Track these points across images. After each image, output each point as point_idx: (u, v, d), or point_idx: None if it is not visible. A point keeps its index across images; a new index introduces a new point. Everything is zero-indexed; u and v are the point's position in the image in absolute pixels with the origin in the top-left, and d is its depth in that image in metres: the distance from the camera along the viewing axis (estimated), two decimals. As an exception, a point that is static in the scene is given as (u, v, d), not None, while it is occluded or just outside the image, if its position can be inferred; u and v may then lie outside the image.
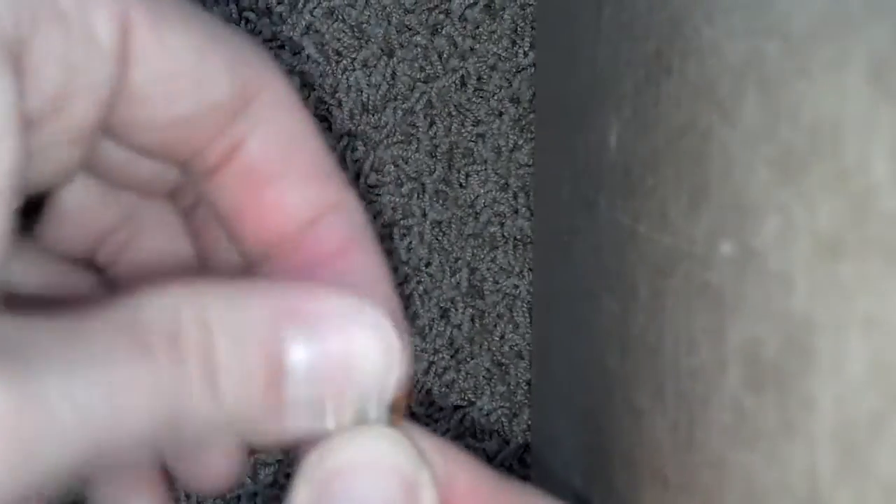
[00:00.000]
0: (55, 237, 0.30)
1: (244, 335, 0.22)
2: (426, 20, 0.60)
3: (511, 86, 0.61)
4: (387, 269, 0.28)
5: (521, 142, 0.60)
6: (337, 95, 0.59)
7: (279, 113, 0.27)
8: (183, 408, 0.22)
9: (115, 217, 0.30)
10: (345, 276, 0.27)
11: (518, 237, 0.60)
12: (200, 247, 0.31)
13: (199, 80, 0.25)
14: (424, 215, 0.60)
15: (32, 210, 0.29)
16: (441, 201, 0.60)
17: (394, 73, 0.60)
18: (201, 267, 0.31)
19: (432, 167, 0.60)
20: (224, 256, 0.30)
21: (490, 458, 0.60)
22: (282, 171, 0.27)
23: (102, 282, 0.31)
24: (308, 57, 0.59)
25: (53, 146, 0.24)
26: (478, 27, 0.60)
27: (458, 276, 0.60)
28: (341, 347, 0.23)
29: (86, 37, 0.22)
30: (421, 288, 0.60)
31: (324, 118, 0.59)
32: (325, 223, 0.27)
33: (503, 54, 0.61)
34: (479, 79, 0.60)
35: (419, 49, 0.60)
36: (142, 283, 0.22)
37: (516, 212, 0.60)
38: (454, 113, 0.60)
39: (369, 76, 0.60)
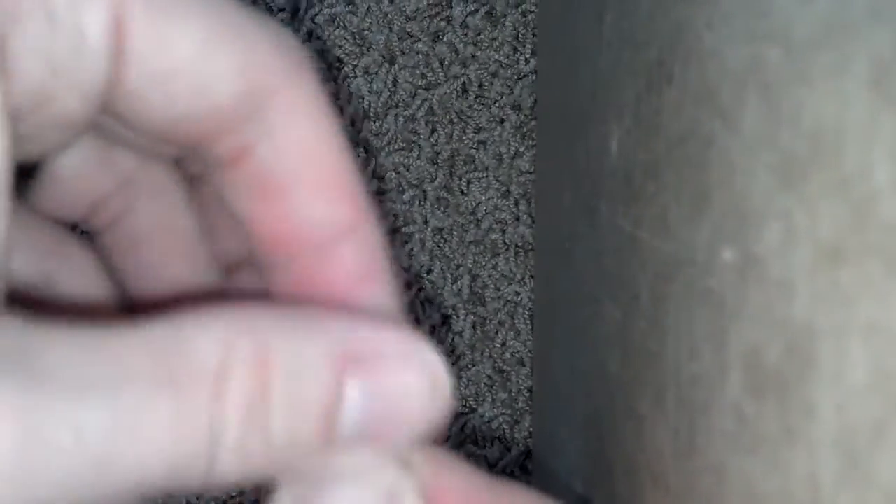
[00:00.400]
0: (48, 200, 0.28)
1: (303, 374, 0.22)
2: (427, 27, 0.60)
3: (512, 93, 0.61)
4: (400, 300, 0.27)
5: (522, 149, 0.60)
6: (338, 102, 0.59)
7: (297, 121, 0.25)
8: (216, 452, 0.21)
9: (112, 181, 0.29)
10: (355, 305, 0.26)
11: (519, 244, 0.60)
12: (205, 218, 0.29)
13: (198, 81, 0.23)
14: (426, 222, 0.60)
15: (24, 173, 0.27)
16: (442, 208, 0.60)
17: (395, 80, 0.60)
18: (202, 239, 0.29)
19: (434, 174, 0.60)
20: (228, 235, 0.29)
21: (492, 466, 0.60)
22: (294, 185, 0.25)
23: (97, 248, 0.29)
24: (310, 64, 0.59)
25: (39, 133, 0.23)
26: (479, 34, 0.60)
27: (459, 282, 0.60)
28: (396, 390, 0.23)
29: (74, 33, 0.21)
30: (422, 295, 0.60)
31: (325, 125, 0.59)
32: (340, 246, 0.26)
33: (504, 61, 0.61)
34: (480, 86, 0.60)
35: (421, 56, 0.60)
36: (178, 302, 0.22)
37: (518, 219, 0.60)
38: (455, 120, 0.60)
39: (371, 83, 0.60)
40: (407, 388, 0.23)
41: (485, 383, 0.61)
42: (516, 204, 0.60)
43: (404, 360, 0.23)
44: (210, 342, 0.21)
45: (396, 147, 0.60)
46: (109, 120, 0.25)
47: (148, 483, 0.20)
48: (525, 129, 0.60)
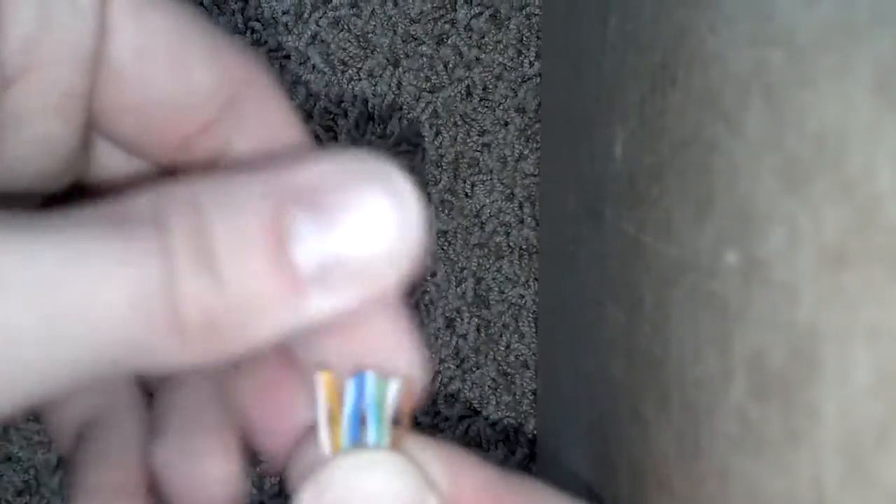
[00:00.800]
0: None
1: (243, 217, 0.20)
2: (432, 30, 0.60)
3: (516, 96, 0.61)
4: (410, 325, 0.25)
5: (526, 151, 0.60)
6: (342, 105, 0.59)
7: (265, 113, 0.25)
8: (173, 297, 0.20)
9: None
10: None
11: (523, 247, 0.60)
12: None
13: (176, 63, 0.23)
14: (430, 225, 0.60)
15: None
16: (447, 211, 0.60)
17: (399, 83, 0.60)
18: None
19: (438, 177, 0.60)
20: None
21: (496, 468, 0.60)
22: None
23: None
24: (313, 67, 0.59)
25: (34, 115, 0.23)
26: (483, 37, 0.60)
27: (463, 285, 0.60)
28: (349, 212, 0.21)
29: None
30: (426, 298, 0.60)
31: (329, 128, 0.59)
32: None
33: (509, 64, 0.61)
34: (484, 89, 0.60)
35: (425, 59, 0.60)
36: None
37: (522, 221, 0.60)
38: (460, 123, 0.60)
39: (375, 86, 0.60)
40: (369, 215, 0.21)
41: (489, 386, 0.61)
42: (520, 207, 0.60)
43: (362, 184, 0.21)
44: (145, 198, 0.20)
45: (401, 150, 0.60)
46: (99, 150, 0.25)
47: (108, 338, 0.19)
48: (529, 132, 0.60)
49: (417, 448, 0.25)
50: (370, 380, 0.24)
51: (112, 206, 0.20)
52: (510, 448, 0.60)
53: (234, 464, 0.28)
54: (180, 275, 0.20)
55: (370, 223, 0.21)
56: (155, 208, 0.20)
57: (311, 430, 0.25)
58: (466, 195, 0.60)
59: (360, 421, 0.24)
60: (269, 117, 0.25)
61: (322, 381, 0.24)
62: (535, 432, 0.60)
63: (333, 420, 0.24)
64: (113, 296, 0.19)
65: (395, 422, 0.25)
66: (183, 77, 0.24)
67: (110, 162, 0.26)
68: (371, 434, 0.24)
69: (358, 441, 0.24)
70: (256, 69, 0.25)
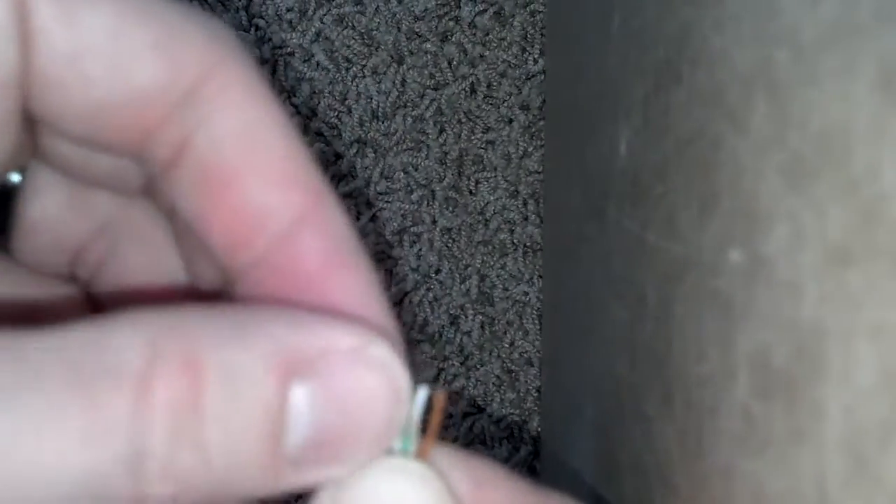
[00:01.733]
0: (30, 253, 0.27)
1: (240, 379, 0.20)
2: (436, 27, 0.60)
3: (521, 93, 0.61)
4: (376, 284, 0.24)
5: (530, 149, 0.60)
6: (347, 102, 0.59)
7: (233, 102, 0.23)
8: (139, 477, 0.19)
9: (90, 224, 0.27)
10: (329, 297, 0.23)
11: (528, 244, 0.60)
12: (185, 256, 0.27)
13: (114, 61, 0.22)
14: (434, 222, 0.60)
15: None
16: (451, 208, 0.60)
17: (403, 80, 0.60)
18: (190, 281, 0.27)
19: (442, 174, 0.60)
20: (205, 267, 0.27)
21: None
22: (239, 172, 0.23)
23: (86, 300, 0.28)
24: (318, 64, 0.59)
25: None
26: (487, 34, 0.60)
27: (467, 283, 0.60)
28: (347, 393, 0.21)
29: None
30: (431, 295, 0.60)
31: (333, 125, 0.59)
32: (301, 235, 0.24)
33: (513, 61, 0.61)
34: (488, 86, 0.60)
35: (429, 56, 0.60)
36: (123, 303, 0.20)
37: (526, 219, 0.60)
38: (464, 120, 0.60)
39: (379, 83, 0.60)
40: (360, 390, 0.21)
41: (493, 383, 0.61)
42: (524, 204, 0.60)
43: (355, 359, 0.21)
44: (134, 342, 0.19)
45: (405, 147, 0.60)
46: (56, 139, 0.24)
47: (60, 498, 0.18)
48: (533, 129, 0.60)
49: (442, 458, 0.24)
50: None
51: (91, 342, 0.19)
52: (514, 445, 0.60)
53: None
54: (156, 450, 0.19)
55: (365, 410, 0.21)
56: (145, 361, 0.19)
57: None
58: (470, 192, 0.60)
59: None
60: (240, 101, 0.23)
61: None
62: (539, 429, 0.60)
63: None
64: (63, 468, 0.18)
65: (423, 431, 0.24)
66: (124, 75, 0.22)
67: (69, 148, 0.25)
68: (397, 441, 0.24)
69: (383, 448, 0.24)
70: (225, 54, 0.23)
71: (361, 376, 0.21)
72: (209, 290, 0.27)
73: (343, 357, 0.21)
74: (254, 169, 0.23)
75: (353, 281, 0.24)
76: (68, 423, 0.18)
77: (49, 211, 0.27)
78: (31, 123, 0.23)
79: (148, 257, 0.28)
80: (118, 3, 0.22)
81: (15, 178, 0.26)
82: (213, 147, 0.23)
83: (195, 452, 0.19)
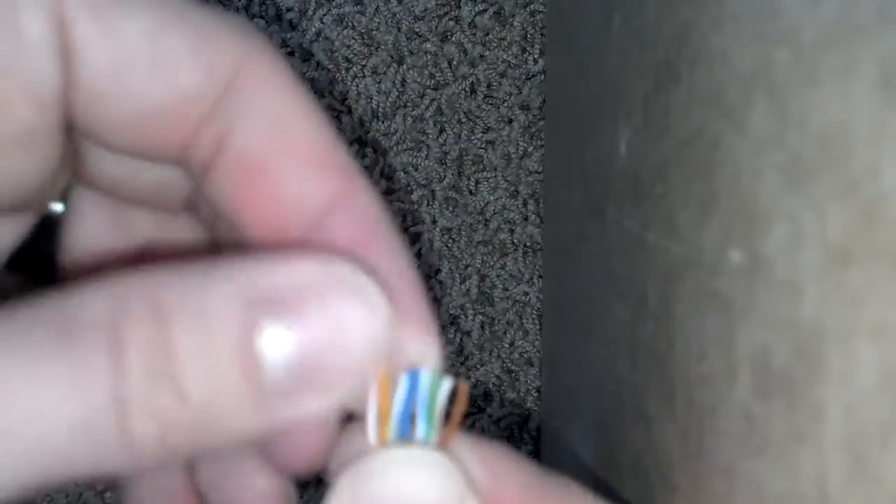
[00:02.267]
0: (73, 277, 0.27)
1: (208, 322, 0.20)
2: (436, 27, 0.60)
3: (521, 93, 0.61)
4: (409, 261, 0.25)
5: (530, 149, 0.60)
6: (346, 102, 0.59)
7: (266, 96, 0.24)
8: (123, 416, 0.19)
9: (130, 243, 0.28)
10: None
11: (528, 244, 0.60)
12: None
13: (155, 67, 0.23)
14: (434, 222, 0.60)
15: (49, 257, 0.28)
16: (451, 208, 0.60)
17: (403, 80, 0.60)
18: None
19: (442, 174, 0.60)
20: None
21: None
22: (275, 162, 0.24)
23: None
24: (318, 64, 0.59)
25: (2, 156, 0.22)
26: (487, 34, 0.60)
27: (467, 283, 0.60)
28: (322, 324, 0.21)
29: (12, 34, 0.21)
30: (430, 295, 0.60)
31: (333, 125, 0.59)
32: (335, 217, 0.24)
33: (513, 61, 0.61)
34: (488, 86, 0.60)
35: (429, 56, 0.60)
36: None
37: (526, 219, 0.60)
38: (464, 120, 0.60)
39: (379, 83, 0.60)
40: (337, 320, 0.21)
41: (493, 383, 0.61)
42: (525, 204, 0.60)
43: (328, 290, 0.21)
44: (98, 297, 0.20)
45: (405, 147, 0.60)
46: (100, 153, 0.25)
47: (53, 453, 0.19)
48: (533, 129, 0.60)
49: (462, 447, 0.25)
50: (424, 376, 0.24)
51: (63, 305, 0.20)
52: (514, 445, 0.60)
53: (276, 477, 0.28)
54: (134, 392, 0.19)
55: (342, 335, 0.21)
56: (111, 311, 0.20)
57: (357, 422, 0.25)
58: (470, 192, 0.60)
59: (409, 417, 0.24)
60: (273, 98, 0.24)
61: (375, 374, 0.24)
62: (540, 429, 0.60)
63: (383, 414, 0.24)
64: (55, 416, 0.19)
65: (444, 420, 0.25)
66: (166, 81, 0.23)
67: (113, 164, 0.26)
68: (420, 431, 0.24)
69: (406, 437, 0.24)
70: (255, 50, 0.24)
71: (335, 304, 0.21)
72: None
73: (314, 288, 0.21)
74: (287, 156, 0.24)
75: (385, 260, 0.24)
76: (55, 378, 0.19)
77: (94, 235, 0.28)
78: (74, 141, 0.24)
79: None
80: (153, 11, 0.22)
81: (58, 207, 0.27)
82: (248, 140, 0.24)
83: (172, 390, 0.20)
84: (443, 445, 0.24)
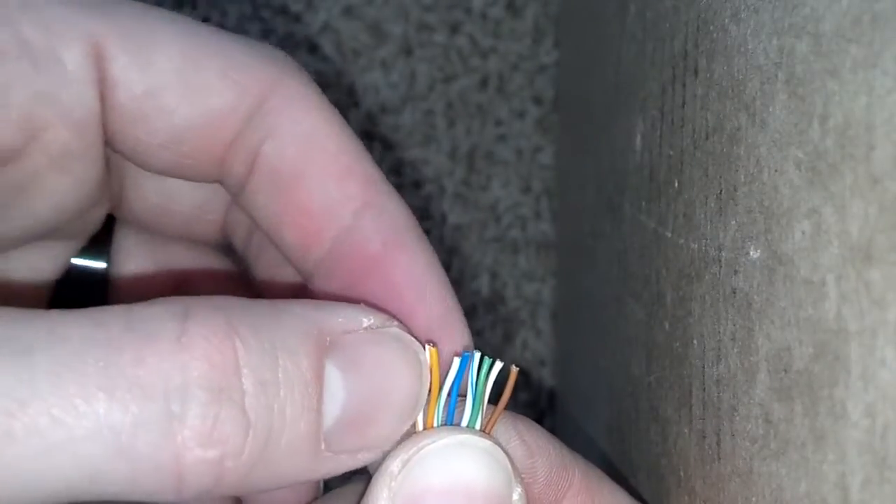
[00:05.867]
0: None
1: (276, 349, 0.20)
2: (446, 18, 0.59)
3: (533, 86, 0.60)
4: (437, 266, 0.27)
5: (543, 143, 0.60)
6: (354, 96, 0.59)
7: (294, 113, 0.26)
8: (179, 423, 0.19)
9: (171, 279, 0.30)
10: (392, 278, 0.26)
11: (540, 241, 0.60)
12: (255, 295, 0.29)
13: (188, 90, 0.24)
14: (444, 218, 0.60)
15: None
16: (461, 204, 0.60)
17: (413, 73, 0.59)
18: None
19: (452, 169, 0.60)
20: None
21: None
22: (303, 172, 0.26)
23: None
24: (324, 56, 0.59)
25: (39, 176, 0.24)
26: (499, 25, 0.60)
27: (478, 281, 0.60)
28: (373, 368, 0.22)
29: (53, 64, 0.23)
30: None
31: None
32: (362, 223, 0.26)
33: (525, 53, 0.60)
34: (500, 78, 0.60)
35: (439, 48, 0.59)
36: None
37: (538, 215, 0.60)
38: (475, 113, 0.60)
39: (388, 76, 0.59)
40: (384, 364, 0.23)
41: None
42: (537, 200, 0.60)
43: (376, 335, 0.23)
44: (167, 310, 0.20)
45: (414, 141, 0.59)
46: (140, 180, 0.27)
47: (81, 466, 0.18)
48: (546, 123, 0.60)
49: (501, 424, 0.26)
50: (476, 360, 0.25)
51: (124, 313, 0.20)
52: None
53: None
54: (189, 410, 0.19)
55: (393, 390, 0.23)
56: (177, 319, 0.20)
57: None
58: (482, 188, 0.60)
59: (456, 400, 0.25)
60: (302, 115, 0.26)
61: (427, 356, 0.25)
62: (553, 431, 0.60)
63: (431, 396, 0.25)
64: (99, 434, 0.19)
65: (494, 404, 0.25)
66: (197, 101, 0.25)
67: (152, 192, 0.28)
68: (468, 414, 0.25)
69: (452, 419, 0.25)
70: (281, 71, 0.26)
71: (385, 352, 0.23)
72: None
73: (365, 334, 0.23)
74: (315, 168, 0.26)
75: (413, 261, 0.26)
76: (85, 379, 0.18)
77: (133, 268, 0.30)
78: (112, 170, 0.26)
79: None
80: (185, 40, 0.24)
81: (100, 265, 0.29)
82: (279, 153, 0.26)
83: (236, 414, 0.20)
84: (488, 429, 0.25)
